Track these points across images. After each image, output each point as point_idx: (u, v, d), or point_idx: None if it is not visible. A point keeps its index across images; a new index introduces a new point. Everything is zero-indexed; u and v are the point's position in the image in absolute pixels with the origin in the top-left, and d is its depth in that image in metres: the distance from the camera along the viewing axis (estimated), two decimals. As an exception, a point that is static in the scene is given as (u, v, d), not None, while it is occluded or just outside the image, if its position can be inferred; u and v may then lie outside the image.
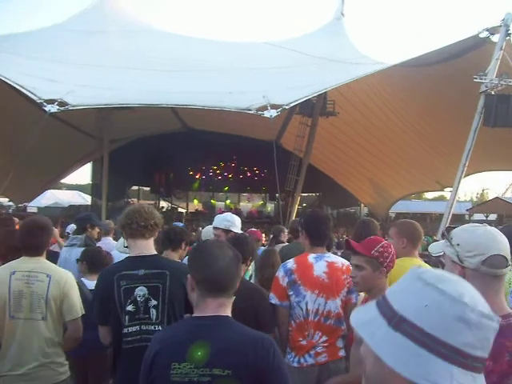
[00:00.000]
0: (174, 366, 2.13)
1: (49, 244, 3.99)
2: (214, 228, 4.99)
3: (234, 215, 5.14)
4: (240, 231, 4.98)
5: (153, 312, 3.32)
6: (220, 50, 31.03)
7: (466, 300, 1.06)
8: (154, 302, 3.32)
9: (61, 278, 3.75)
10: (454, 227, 2.11)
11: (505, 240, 1.95)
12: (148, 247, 3.52)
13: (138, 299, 3.31)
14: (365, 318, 1.14)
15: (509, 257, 1.95)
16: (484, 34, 18.84)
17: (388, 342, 1.07)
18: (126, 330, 3.30)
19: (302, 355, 3.94)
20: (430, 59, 21.26)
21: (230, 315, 2.25)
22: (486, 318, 1.06)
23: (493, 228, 2.04)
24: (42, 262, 3.82)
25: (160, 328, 3.31)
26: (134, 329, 3.31)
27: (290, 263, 4.03)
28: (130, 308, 3.30)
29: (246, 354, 2.12)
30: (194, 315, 2.25)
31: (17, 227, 7.83)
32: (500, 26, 18.49)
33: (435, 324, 1.05)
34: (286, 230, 8.31)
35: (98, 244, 6.91)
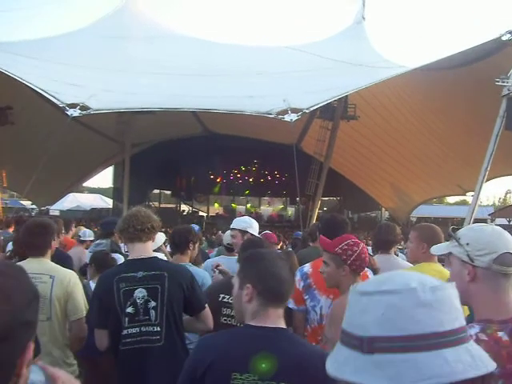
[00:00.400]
0: (235, 377, 2.05)
1: (51, 244, 3.95)
2: (232, 229, 5.03)
3: (253, 219, 5.19)
4: (257, 234, 5.03)
5: (152, 313, 3.37)
6: (241, 55, 31.10)
7: (413, 285, 1.02)
8: (153, 304, 3.37)
9: (64, 278, 3.78)
10: (459, 228, 2.12)
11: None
12: (146, 250, 3.57)
13: (138, 301, 3.36)
14: (339, 360, 1.08)
15: None
16: (506, 37, 18.63)
17: (371, 368, 1.01)
18: (125, 332, 3.34)
19: (314, 360, 3.91)
20: (452, 62, 21.11)
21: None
22: (439, 289, 1.03)
23: (499, 227, 2.04)
24: (45, 263, 3.85)
25: (159, 329, 3.36)
26: (133, 330, 3.35)
27: (306, 267, 4.01)
28: (129, 310, 3.35)
29: (316, 369, 2.03)
30: (251, 324, 2.18)
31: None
32: (523, 28, 18.30)
33: (401, 324, 1.00)
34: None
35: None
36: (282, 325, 2.20)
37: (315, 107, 20.24)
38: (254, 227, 4.96)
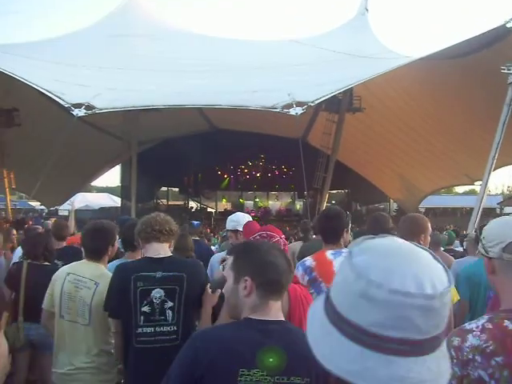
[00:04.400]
0: (243, 373, 1.94)
1: (108, 250, 3.95)
2: (226, 230, 5.08)
3: (241, 214, 5.02)
4: None
5: (169, 313, 3.37)
6: (245, 50, 31.07)
7: (372, 275, 0.96)
8: (170, 304, 3.37)
9: (105, 289, 3.65)
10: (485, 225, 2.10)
11: None
12: (163, 249, 3.55)
13: (154, 301, 3.35)
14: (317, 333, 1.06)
15: None
16: (511, 24, 18.54)
17: (322, 336, 1.02)
18: (140, 330, 3.34)
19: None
20: (457, 51, 20.99)
21: None
22: (396, 294, 0.93)
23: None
24: (96, 268, 3.84)
25: (175, 328, 3.36)
26: (148, 330, 3.34)
27: (309, 261, 3.90)
28: (145, 309, 3.34)
29: None
30: (253, 318, 2.07)
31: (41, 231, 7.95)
32: (527, 15, 18.18)
33: (342, 301, 0.99)
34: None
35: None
36: (283, 317, 2.13)
37: (320, 100, 20.15)
38: (243, 223, 4.69)
